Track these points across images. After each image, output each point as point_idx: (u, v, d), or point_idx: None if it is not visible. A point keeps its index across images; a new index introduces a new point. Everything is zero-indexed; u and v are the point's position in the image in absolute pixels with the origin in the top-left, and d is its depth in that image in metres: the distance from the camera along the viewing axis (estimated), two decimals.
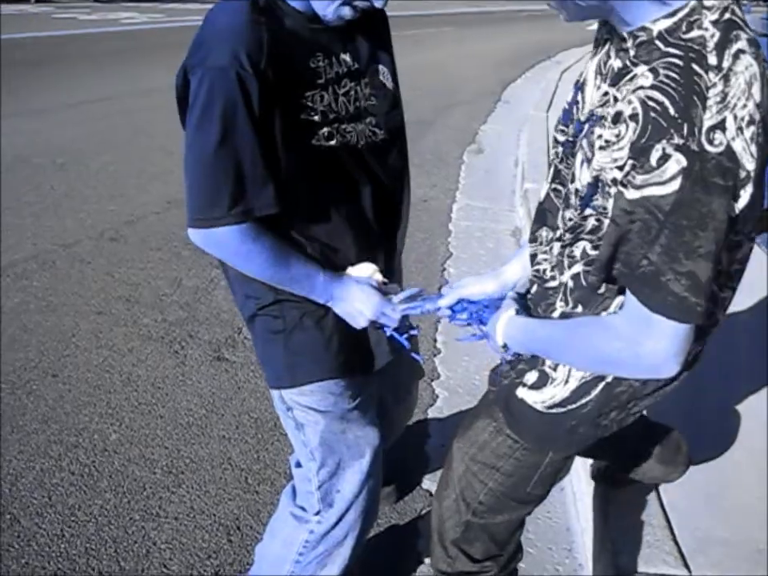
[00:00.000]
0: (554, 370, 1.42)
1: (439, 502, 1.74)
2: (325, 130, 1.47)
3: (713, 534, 2.33)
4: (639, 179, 1.05)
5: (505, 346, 1.46)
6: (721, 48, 1.03)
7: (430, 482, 2.62)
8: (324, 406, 1.71)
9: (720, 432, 2.81)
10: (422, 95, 9.34)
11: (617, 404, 1.39)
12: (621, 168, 1.09)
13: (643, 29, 1.11)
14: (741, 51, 1.04)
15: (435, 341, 3.58)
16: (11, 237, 4.57)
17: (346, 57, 1.54)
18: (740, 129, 1.02)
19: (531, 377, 1.45)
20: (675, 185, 1.01)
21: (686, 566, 2.20)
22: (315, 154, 1.48)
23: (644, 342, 1.13)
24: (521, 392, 1.47)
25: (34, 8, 19.34)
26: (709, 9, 1.06)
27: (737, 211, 1.06)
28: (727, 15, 1.06)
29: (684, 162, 1.00)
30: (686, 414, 2.85)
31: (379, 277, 1.66)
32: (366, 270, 1.65)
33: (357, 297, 1.60)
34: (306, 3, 1.45)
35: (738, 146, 1.02)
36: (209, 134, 1.38)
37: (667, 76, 1.03)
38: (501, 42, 17.43)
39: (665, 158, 1.02)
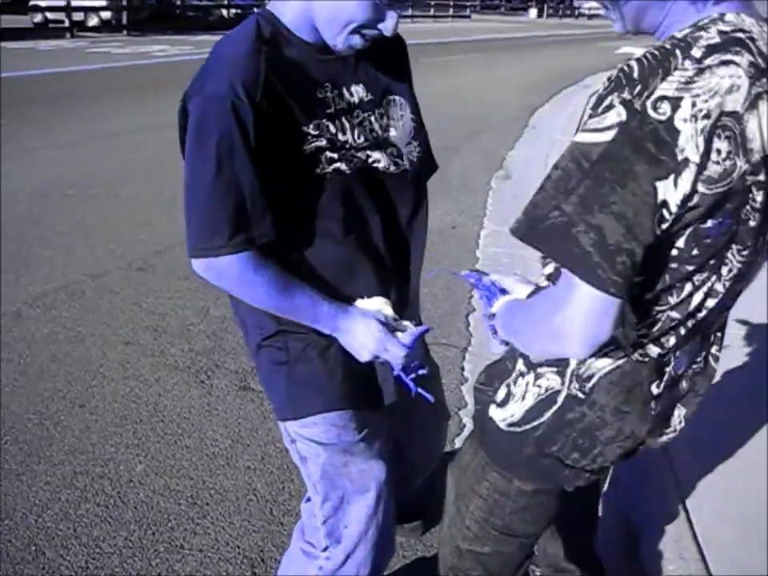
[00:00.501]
0: (515, 384, 1.38)
1: (441, 530, 1.72)
2: (332, 159, 1.47)
3: (749, 566, 2.26)
4: (586, 124, 1.07)
5: (492, 316, 1.47)
6: (711, 49, 1.04)
7: None
8: (326, 438, 1.68)
9: (750, 459, 2.74)
10: (450, 121, 9.35)
11: (574, 435, 1.33)
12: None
13: (672, 37, 1.12)
14: (734, 63, 1.04)
15: (462, 369, 3.55)
16: (42, 267, 4.63)
17: (359, 88, 1.53)
18: (694, 117, 1.02)
19: (501, 394, 1.42)
20: (609, 135, 1.03)
21: None
22: (321, 183, 1.47)
23: (564, 308, 1.09)
24: (491, 410, 1.43)
25: (70, 43, 19.78)
26: (724, 22, 1.08)
27: (676, 201, 1.04)
28: (739, 34, 1.06)
29: (624, 116, 1.03)
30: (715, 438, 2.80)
31: (389, 311, 1.62)
32: (375, 304, 1.61)
33: (360, 330, 1.56)
34: (315, 34, 1.45)
35: (685, 129, 1.02)
36: (206, 162, 1.38)
37: (650, 52, 1.06)
38: (528, 68, 17.46)
39: (609, 107, 1.04)
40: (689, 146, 1.02)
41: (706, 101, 1.02)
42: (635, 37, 1.35)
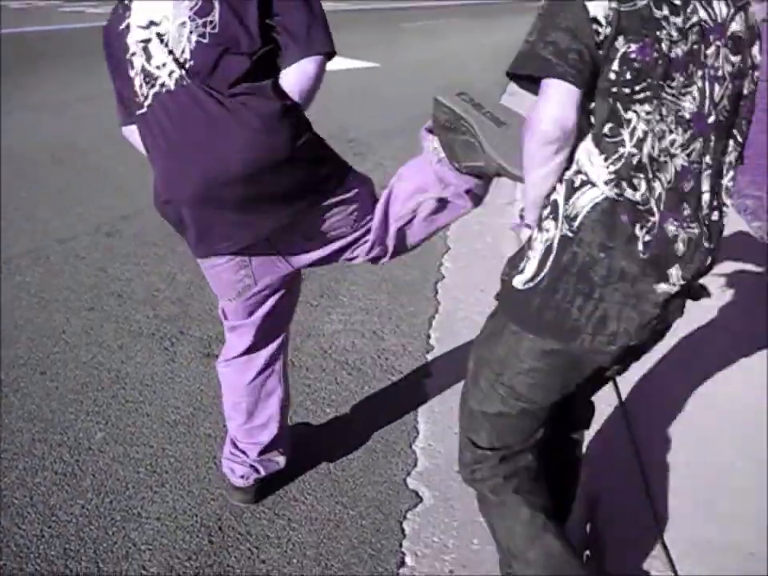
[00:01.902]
0: (530, 248, 1.62)
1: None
2: None
3: (702, 538, 2.29)
4: None
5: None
6: None
7: (416, 482, 2.57)
8: None
9: (711, 434, 2.76)
10: (428, 88, 9.26)
11: (573, 280, 1.55)
12: None
13: None
14: None
15: (429, 337, 3.53)
16: (8, 232, 4.55)
17: None
18: None
19: (522, 263, 1.64)
20: None
21: (674, 570, 2.16)
22: None
23: (540, 105, 1.48)
24: (515, 280, 1.64)
25: (42, 2, 19.35)
26: None
27: (603, 15, 1.42)
28: None
29: None
30: (678, 412, 2.82)
31: None
32: None
33: None
34: None
35: None
36: None
37: None
38: (509, 34, 17.28)
39: None
40: None
41: None
42: None
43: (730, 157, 1.63)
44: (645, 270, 1.53)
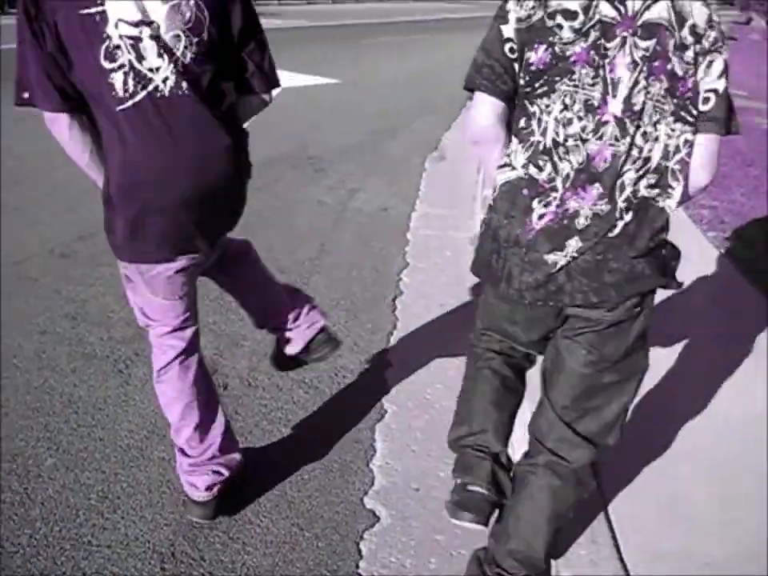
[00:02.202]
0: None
1: None
2: None
3: (660, 548, 2.29)
4: None
5: None
6: None
7: (373, 502, 2.54)
8: None
9: (669, 444, 2.77)
10: (389, 104, 9.30)
11: (490, 238, 1.89)
12: None
13: None
14: None
15: (387, 353, 3.51)
16: None
17: None
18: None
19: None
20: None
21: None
22: None
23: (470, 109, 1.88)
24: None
25: (5, 19, 19.11)
26: None
27: (510, 34, 1.75)
28: None
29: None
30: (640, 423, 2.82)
31: None
32: None
33: None
34: None
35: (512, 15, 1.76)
36: None
37: None
38: (472, 50, 17.41)
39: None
40: (511, 4, 1.75)
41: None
42: None
43: (678, 140, 1.74)
44: (537, 239, 1.80)
